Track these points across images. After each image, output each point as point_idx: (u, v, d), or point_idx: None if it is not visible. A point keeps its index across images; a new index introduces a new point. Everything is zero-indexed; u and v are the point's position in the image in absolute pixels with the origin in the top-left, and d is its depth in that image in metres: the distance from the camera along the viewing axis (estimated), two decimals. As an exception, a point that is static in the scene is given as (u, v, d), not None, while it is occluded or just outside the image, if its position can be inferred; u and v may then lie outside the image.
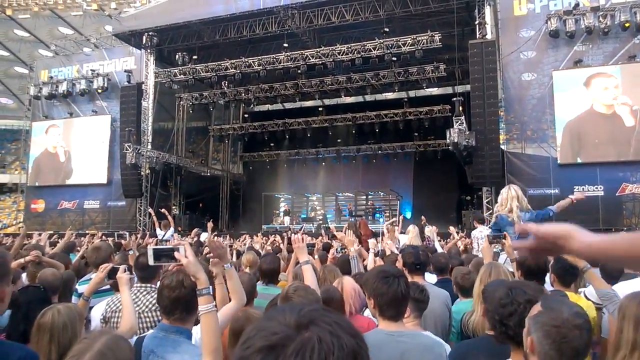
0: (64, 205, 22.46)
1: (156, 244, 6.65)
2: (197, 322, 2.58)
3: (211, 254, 2.69)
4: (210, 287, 2.24)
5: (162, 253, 2.36)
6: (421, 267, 3.64)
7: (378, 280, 2.33)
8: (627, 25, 14.92)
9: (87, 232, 18.85)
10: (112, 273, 3.14)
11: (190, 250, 2.31)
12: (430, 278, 4.46)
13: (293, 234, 3.43)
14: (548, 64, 16.17)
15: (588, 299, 3.29)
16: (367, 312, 2.97)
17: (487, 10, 16.48)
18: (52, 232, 18.57)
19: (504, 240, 3.56)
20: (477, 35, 16.21)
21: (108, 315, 3.13)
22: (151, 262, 2.39)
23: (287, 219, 21.72)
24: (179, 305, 2.26)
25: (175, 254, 2.25)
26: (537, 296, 1.94)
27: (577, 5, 15.55)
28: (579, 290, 3.54)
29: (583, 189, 15.19)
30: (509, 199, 4.91)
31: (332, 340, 0.77)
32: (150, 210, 10.44)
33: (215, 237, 10.73)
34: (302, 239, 3.12)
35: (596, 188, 15.05)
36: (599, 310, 3.11)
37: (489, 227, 5.06)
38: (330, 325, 0.79)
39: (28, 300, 3.12)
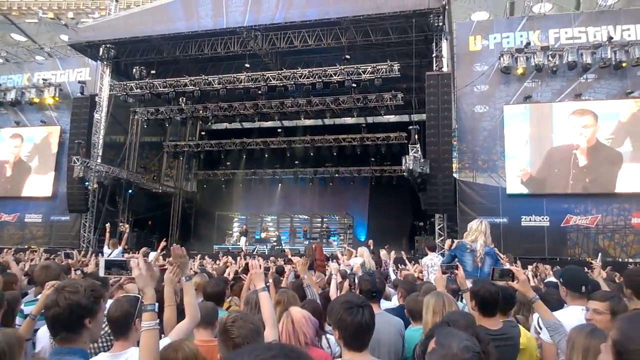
0: (3, 217, 21.22)
1: None
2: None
3: (168, 265, 2.63)
4: (156, 304, 2.19)
5: (114, 263, 2.37)
6: (377, 295, 3.61)
7: (343, 310, 2.29)
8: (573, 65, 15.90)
9: (26, 247, 17.89)
10: None
11: (143, 263, 2.28)
12: (385, 305, 4.45)
13: (251, 259, 3.32)
14: (499, 98, 16.90)
15: (540, 328, 3.38)
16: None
17: (444, 44, 17.10)
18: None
19: (456, 271, 3.60)
20: (434, 67, 16.76)
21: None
22: (102, 273, 2.41)
23: (243, 240, 21.38)
24: (57, 324, 2.14)
25: (132, 262, 2.27)
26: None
27: (528, 44, 16.42)
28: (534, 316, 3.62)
29: (530, 218, 15.84)
30: (478, 231, 5.06)
31: None
32: (106, 225, 9.99)
33: (164, 257, 10.37)
34: (260, 265, 3.04)
35: (542, 218, 15.69)
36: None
37: (450, 251, 5.17)
38: None
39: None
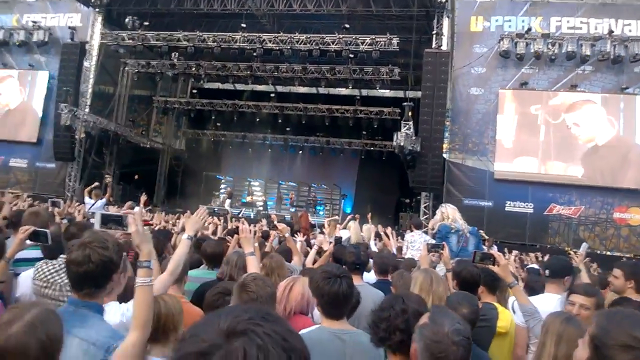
0: (-14, 160, 20.85)
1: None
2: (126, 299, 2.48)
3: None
4: (152, 261, 2.19)
5: (110, 218, 2.39)
6: (360, 267, 3.66)
7: (321, 280, 2.35)
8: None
9: (9, 191, 17.67)
10: (34, 236, 2.99)
11: (139, 219, 2.29)
12: (368, 277, 4.50)
13: (241, 223, 3.32)
14: (496, 82, 16.83)
15: (513, 311, 3.47)
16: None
17: (445, 22, 16.87)
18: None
19: (441, 251, 3.64)
20: (433, 45, 16.57)
21: (42, 290, 2.91)
22: (97, 226, 2.38)
23: (228, 202, 21.36)
24: (87, 280, 2.13)
25: (129, 217, 2.26)
26: (415, 307, 2.03)
27: (529, 29, 16.26)
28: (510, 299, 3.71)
29: (514, 204, 16.05)
30: (451, 212, 5.14)
31: (258, 354, 0.77)
32: (109, 178, 9.89)
33: (148, 213, 10.36)
34: (250, 229, 3.05)
35: (526, 205, 15.90)
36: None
37: (434, 236, 5.28)
38: (262, 338, 0.79)
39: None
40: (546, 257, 10.28)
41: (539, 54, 16.01)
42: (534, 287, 4.00)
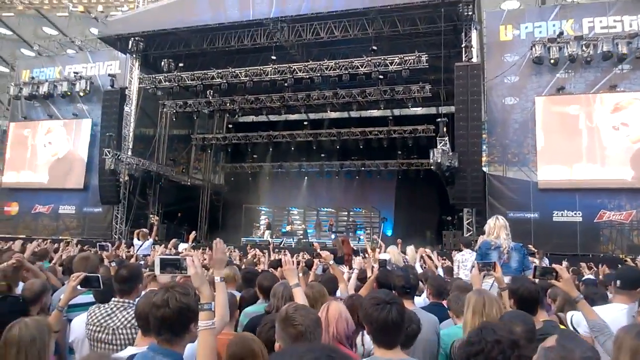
0: (38, 209, 21.85)
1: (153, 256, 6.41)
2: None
3: (207, 260, 2.62)
4: (213, 303, 2.19)
5: (169, 262, 2.37)
6: (411, 291, 3.56)
7: (370, 306, 2.29)
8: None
9: (60, 237, 18.38)
10: (86, 282, 3.04)
11: (198, 262, 2.30)
12: (418, 301, 4.37)
13: (284, 256, 3.30)
14: (531, 90, 16.47)
15: (572, 326, 3.29)
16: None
17: (474, 34, 16.73)
18: (24, 236, 18.09)
19: (492, 272, 3.50)
20: (463, 58, 16.43)
21: (95, 334, 2.96)
22: (157, 271, 2.41)
23: (267, 233, 21.52)
24: (164, 325, 2.12)
25: (187, 260, 2.27)
26: (508, 336, 1.94)
27: (561, 33, 15.92)
28: (568, 314, 3.54)
29: (562, 213, 15.45)
30: (497, 227, 4.98)
31: None
32: (154, 218, 10.24)
33: (194, 249, 10.53)
34: (293, 261, 3.02)
35: (575, 214, 15.28)
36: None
37: (476, 252, 5.10)
38: None
39: (3, 312, 2.94)
40: (601, 267, 9.78)
41: (573, 57, 15.61)
42: (593, 299, 3.79)
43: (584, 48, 15.57)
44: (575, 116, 15.91)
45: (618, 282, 3.51)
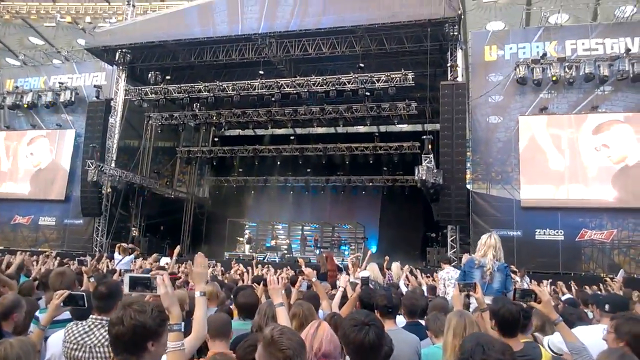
0: (17, 220, 21.42)
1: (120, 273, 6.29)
2: None
3: (187, 272, 2.57)
4: (182, 323, 2.13)
5: (139, 281, 2.32)
6: (393, 311, 3.53)
7: (348, 327, 2.25)
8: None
9: (40, 250, 18.02)
10: (69, 300, 2.96)
11: (168, 281, 2.25)
12: (399, 320, 4.34)
13: (270, 275, 3.27)
14: (514, 109, 16.76)
15: (550, 349, 3.31)
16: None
17: (459, 54, 17.01)
18: (2, 247, 17.70)
19: (473, 293, 3.48)
20: (449, 77, 16.67)
21: (72, 352, 2.87)
22: (126, 290, 2.34)
23: (247, 247, 21.38)
24: (119, 344, 2.03)
25: (158, 279, 2.22)
26: (498, 356, 1.92)
27: (544, 55, 16.28)
28: (545, 339, 3.55)
29: (544, 232, 15.62)
30: (487, 246, 4.94)
31: None
32: (134, 229, 10.09)
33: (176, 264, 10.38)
34: (278, 279, 2.99)
35: (557, 232, 15.46)
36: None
37: (460, 269, 5.07)
38: None
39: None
40: (586, 287, 9.85)
41: (556, 78, 15.96)
42: (568, 320, 3.79)
43: (566, 69, 15.92)
44: (557, 136, 16.20)
45: (607, 305, 3.57)
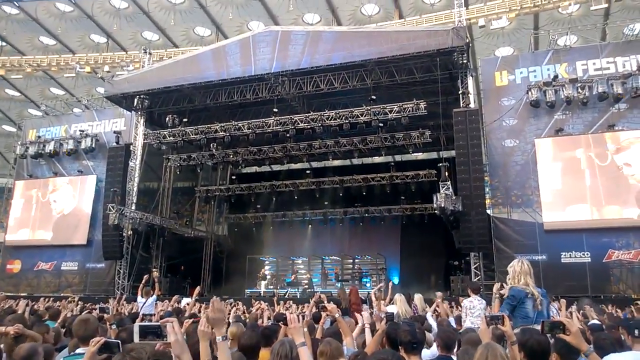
0: (40, 266, 21.72)
1: (142, 319, 6.32)
2: None
3: (205, 318, 2.55)
4: None
5: (149, 330, 2.32)
6: (417, 346, 3.47)
7: None
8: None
9: (62, 295, 18.20)
10: (105, 348, 2.98)
11: (178, 328, 2.25)
12: (427, 353, 4.27)
13: (289, 313, 3.25)
14: (530, 132, 16.68)
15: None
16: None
17: (470, 81, 17.14)
18: (26, 294, 17.92)
19: (501, 326, 3.40)
20: (461, 104, 16.75)
21: None
22: (136, 339, 2.34)
23: (262, 284, 21.33)
24: None
25: (168, 327, 2.21)
26: None
27: (556, 76, 16.30)
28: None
29: (570, 254, 15.26)
30: (522, 273, 4.76)
31: None
32: (155, 272, 10.21)
33: (197, 303, 10.40)
34: (298, 319, 2.97)
35: (583, 254, 15.09)
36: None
37: (507, 299, 4.82)
38: None
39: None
40: (610, 308, 9.54)
41: (569, 99, 15.92)
42: (602, 346, 3.65)
43: (579, 90, 15.88)
44: (576, 157, 16.02)
45: (636, 331, 3.46)
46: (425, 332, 4.57)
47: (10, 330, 3.61)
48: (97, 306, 8.36)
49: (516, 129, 16.85)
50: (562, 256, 15.30)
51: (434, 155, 21.84)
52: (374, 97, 17.57)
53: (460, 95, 16.90)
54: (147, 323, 2.49)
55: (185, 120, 20.05)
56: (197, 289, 8.43)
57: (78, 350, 3.78)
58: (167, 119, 20.15)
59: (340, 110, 18.05)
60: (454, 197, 15.54)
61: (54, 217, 22.18)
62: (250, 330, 4.35)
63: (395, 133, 18.57)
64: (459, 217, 15.93)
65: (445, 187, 15.62)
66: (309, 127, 18.30)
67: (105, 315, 6.35)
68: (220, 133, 19.26)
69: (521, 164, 16.59)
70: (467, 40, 16.21)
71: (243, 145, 20.58)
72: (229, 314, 8.44)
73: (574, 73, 16.38)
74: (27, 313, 6.18)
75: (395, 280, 21.81)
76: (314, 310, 6.82)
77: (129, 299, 14.44)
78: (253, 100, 19.51)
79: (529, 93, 16.46)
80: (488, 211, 16.39)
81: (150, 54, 22.43)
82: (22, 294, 18.72)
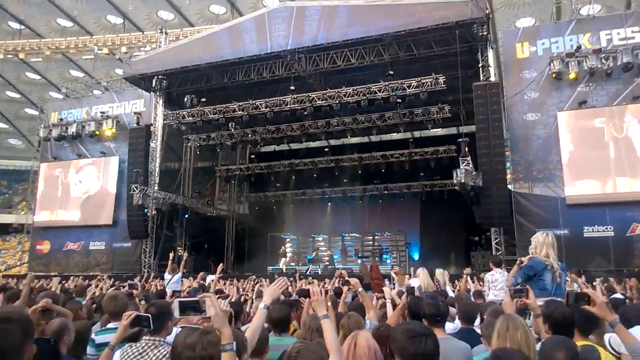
0: (69, 246, 22.37)
1: (172, 295, 6.49)
2: None
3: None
4: (234, 343, 2.18)
5: (188, 305, 2.35)
6: (441, 319, 3.53)
7: (405, 339, 2.25)
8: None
9: (91, 273, 18.78)
10: (137, 322, 3.09)
11: (216, 302, 2.31)
12: (449, 327, 4.33)
13: (312, 286, 3.33)
14: (552, 105, 16.34)
15: (612, 348, 3.21)
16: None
17: (490, 53, 16.78)
18: (56, 273, 18.52)
19: (525, 299, 3.42)
20: (481, 78, 16.45)
21: None
22: (177, 314, 2.40)
23: (282, 261, 21.64)
24: None
25: (207, 301, 2.27)
26: None
27: (579, 47, 15.84)
28: (605, 336, 3.44)
29: (592, 229, 15.10)
30: (545, 244, 4.73)
31: None
32: (170, 254, 10.44)
33: (221, 279, 10.65)
34: (320, 292, 3.04)
35: (606, 228, 14.91)
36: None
37: (524, 269, 4.81)
38: None
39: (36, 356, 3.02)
40: (630, 281, 9.46)
41: (593, 70, 15.49)
42: (628, 318, 3.66)
43: (603, 61, 15.43)
44: (600, 129, 15.68)
45: None
46: (449, 306, 4.64)
47: (38, 305, 3.74)
48: (126, 283, 8.63)
49: (538, 102, 16.51)
50: (584, 230, 15.14)
51: (453, 130, 21.58)
52: (391, 72, 17.34)
53: (480, 69, 16.59)
54: (186, 299, 2.57)
55: (203, 100, 20.15)
56: (221, 266, 8.68)
57: (109, 325, 3.95)
58: (186, 99, 20.28)
59: (358, 87, 17.91)
60: (474, 173, 15.42)
61: (80, 198, 22.71)
62: (280, 304, 4.45)
63: (413, 109, 18.39)
64: (479, 193, 15.83)
65: (465, 162, 15.50)
66: (326, 104, 18.24)
67: (134, 292, 6.57)
68: (238, 112, 19.33)
69: (543, 138, 16.31)
70: (487, 12, 15.81)
71: (261, 124, 20.63)
72: (253, 290, 8.64)
73: (598, 43, 15.89)
74: (59, 291, 6.41)
75: (415, 256, 21.91)
76: (335, 284, 6.94)
77: (157, 277, 14.81)
78: (270, 78, 19.46)
79: (551, 65, 16.05)
80: (509, 186, 16.24)
81: (166, 33, 22.45)
82: (53, 274, 19.36)
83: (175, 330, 3.31)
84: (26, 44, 26.98)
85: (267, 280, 11.86)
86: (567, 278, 5.56)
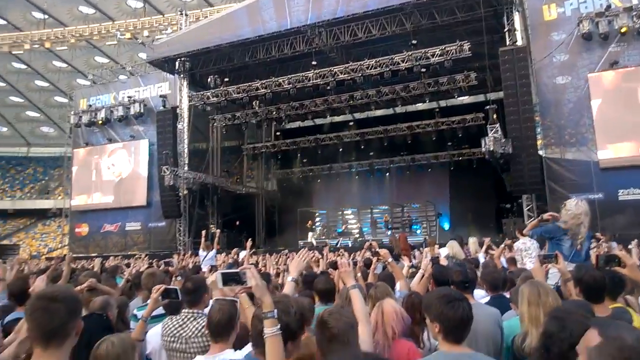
0: (106, 228, 23.18)
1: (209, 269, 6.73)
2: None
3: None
4: (275, 310, 2.27)
5: (230, 277, 2.51)
6: (469, 285, 3.59)
7: (443, 305, 2.32)
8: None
9: (129, 253, 19.45)
10: (166, 294, 3.27)
11: (256, 273, 2.44)
12: (479, 294, 4.38)
13: (340, 258, 3.43)
14: (583, 67, 15.80)
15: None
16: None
17: (516, 17, 16.29)
18: (96, 254, 19.28)
19: (555, 264, 3.44)
20: (507, 42, 16.04)
21: (170, 344, 3.19)
22: (220, 285, 2.56)
23: (310, 235, 21.88)
24: (259, 339, 2.26)
25: (247, 273, 2.40)
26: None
27: (609, 6, 15.18)
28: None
29: (627, 192, 14.74)
30: (583, 213, 4.69)
31: None
32: (202, 232, 10.75)
33: (253, 255, 10.92)
34: (349, 263, 3.14)
35: (642, 191, 14.54)
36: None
37: (542, 225, 4.81)
38: None
39: (91, 329, 3.22)
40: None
41: (625, 29, 14.84)
42: None
43: (634, 19, 14.77)
44: (633, 90, 15.12)
45: None
46: (477, 272, 4.68)
47: (84, 285, 3.98)
48: (162, 262, 8.95)
49: (568, 64, 15.99)
50: (619, 194, 14.79)
51: (480, 98, 21.14)
52: (414, 41, 17.02)
53: (506, 33, 16.17)
54: (227, 271, 2.72)
55: (226, 79, 20.28)
56: (249, 242, 8.94)
57: (149, 301, 4.17)
58: (209, 79, 20.45)
59: (380, 58, 17.68)
60: (503, 140, 15.19)
61: (112, 182, 23.40)
62: (324, 276, 4.57)
63: (438, 78, 18.06)
64: (509, 160, 15.61)
65: (494, 130, 15.26)
66: (349, 78, 18.10)
67: (170, 269, 6.83)
68: (262, 90, 19.39)
69: (574, 102, 15.84)
70: (512, -27, 15.29)
71: (285, 100, 20.66)
72: (285, 264, 8.86)
73: (629, 1, 15.19)
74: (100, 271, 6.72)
75: (446, 226, 21.84)
76: (365, 256, 7.05)
77: (192, 254, 15.26)
78: (291, 55, 19.40)
79: (580, 25, 15.45)
80: (540, 152, 15.93)
81: (186, 15, 22.55)
82: (93, 255, 20.16)
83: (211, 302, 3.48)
84: (51, 33, 27.51)
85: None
86: (591, 245, 5.51)
